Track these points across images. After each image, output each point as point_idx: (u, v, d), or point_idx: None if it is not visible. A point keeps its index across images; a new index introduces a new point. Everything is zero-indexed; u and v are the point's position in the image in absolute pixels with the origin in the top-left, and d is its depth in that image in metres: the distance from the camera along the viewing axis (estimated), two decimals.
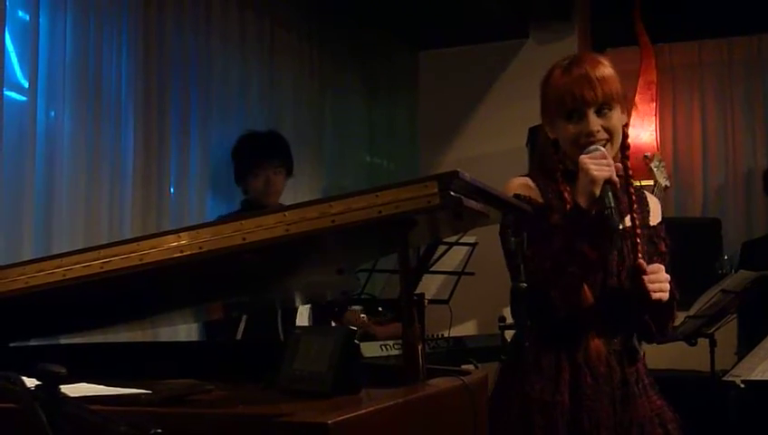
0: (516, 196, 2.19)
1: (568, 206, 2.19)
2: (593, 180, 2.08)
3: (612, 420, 2.17)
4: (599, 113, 2.19)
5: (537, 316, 2.15)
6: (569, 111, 2.20)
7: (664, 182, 3.57)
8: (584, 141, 2.17)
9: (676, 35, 6.36)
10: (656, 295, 2.14)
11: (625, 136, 2.27)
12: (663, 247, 2.34)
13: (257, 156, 3.97)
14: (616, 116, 2.21)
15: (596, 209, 2.08)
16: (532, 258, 2.05)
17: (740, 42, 6.29)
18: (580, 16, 6.00)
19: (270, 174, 3.95)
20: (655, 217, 2.38)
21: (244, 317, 3.60)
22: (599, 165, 2.10)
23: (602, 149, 2.15)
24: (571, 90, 2.19)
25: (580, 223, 2.09)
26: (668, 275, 2.20)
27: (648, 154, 3.82)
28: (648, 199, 2.41)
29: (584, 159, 2.12)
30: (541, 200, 2.24)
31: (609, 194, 2.07)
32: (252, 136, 4.08)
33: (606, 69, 2.22)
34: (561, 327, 2.21)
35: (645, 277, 2.14)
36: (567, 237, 2.10)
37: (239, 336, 3.60)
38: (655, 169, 3.62)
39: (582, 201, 2.10)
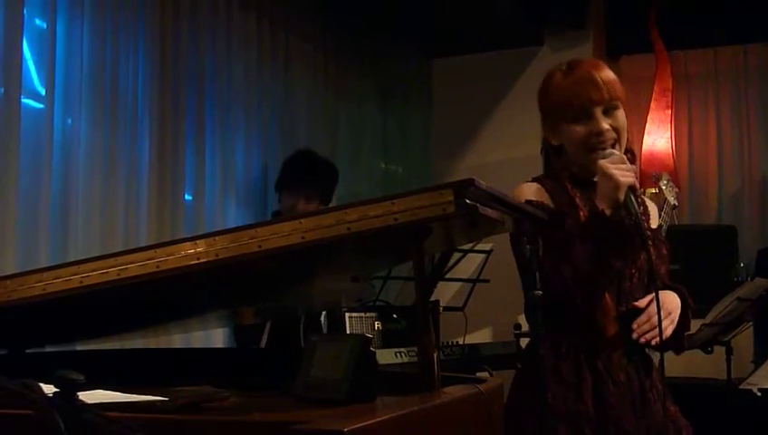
0: (528, 202, 2.16)
1: (580, 211, 2.18)
2: (617, 186, 2.06)
3: (636, 428, 2.16)
4: (605, 113, 2.18)
5: (555, 324, 2.14)
6: (576, 113, 2.18)
7: (673, 201, 3.54)
8: (594, 142, 2.17)
9: (691, 42, 6.33)
10: (642, 340, 2.15)
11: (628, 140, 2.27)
12: (664, 250, 2.36)
13: (311, 181, 4.12)
14: (621, 115, 2.21)
15: (617, 216, 2.06)
16: (554, 267, 2.05)
17: (755, 48, 6.26)
18: (594, 24, 5.99)
19: (302, 200, 4.07)
20: (654, 221, 2.38)
21: (269, 324, 3.65)
22: (621, 170, 2.09)
23: (618, 153, 2.15)
24: (576, 91, 2.18)
25: (604, 230, 2.07)
26: (676, 300, 2.21)
27: (656, 173, 3.78)
28: (647, 203, 2.41)
29: (605, 164, 2.11)
30: (553, 206, 2.22)
31: (634, 201, 2.06)
32: (316, 157, 4.24)
33: (608, 70, 2.23)
34: (582, 335, 2.19)
35: (634, 324, 2.15)
36: (591, 246, 2.07)
37: (264, 342, 3.66)
38: (664, 188, 3.58)
39: (606, 208, 2.08)
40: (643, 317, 2.16)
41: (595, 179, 2.22)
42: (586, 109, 2.17)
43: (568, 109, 2.19)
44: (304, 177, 4.16)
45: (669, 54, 6.27)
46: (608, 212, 2.08)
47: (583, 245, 2.08)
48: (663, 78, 6.25)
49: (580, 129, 2.19)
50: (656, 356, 2.29)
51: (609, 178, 2.08)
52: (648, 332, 2.14)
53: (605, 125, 2.17)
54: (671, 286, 2.30)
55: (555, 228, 2.13)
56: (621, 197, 2.06)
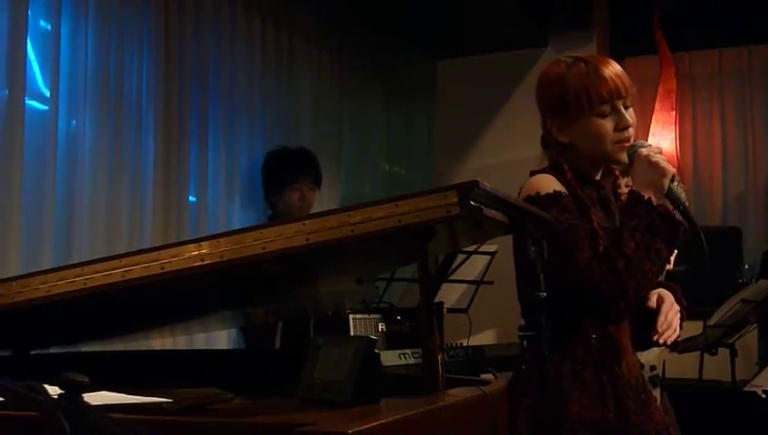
0: (557, 193, 2.12)
1: (589, 208, 2.15)
2: (664, 174, 2.07)
3: (653, 430, 2.13)
4: (625, 108, 2.17)
5: (565, 325, 2.10)
6: (603, 107, 2.13)
7: (683, 201, 3.53)
8: (618, 137, 2.14)
9: (696, 44, 6.33)
10: (661, 340, 2.16)
11: None
12: None
13: (297, 171, 4.16)
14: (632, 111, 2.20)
15: (662, 204, 2.07)
16: (590, 261, 2.02)
17: (760, 50, 6.26)
18: (599, 25, 5.98)
19: (305, 189, 4.17)
20: None
21: (281, 324, 3.65)
22: (664, 160, 2.09)
23: (650, 144, 2.15)
24: (608, 85, 2.13)
25: (651, 218, 2.06)
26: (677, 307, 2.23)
27: None
28: None
29: (649, 153, 2.10)
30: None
31: (679, 189, 2.08)
32: (288, 152, 4.25)
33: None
34: (598, 334, 2.14)
35: (658, 324, 2.16)
36: (641, 235, 2.05)
37: (278, 343, 3.65)
38: (674, 188, 3.59)
39: (654, 196, 2.07)
40: (662, 317, 2.16)
41: (598, 178, 2.24)
42: (613, 102, 2.14)
43: (599, 101, 2.13)
44: (303, 167, 4.19)
45: (674, 56, 6.26)
46: (655, 200, 2.07)
47: (632, 234, 2.05)
48: (667, 79, 6.25)
49: (607, 123, 2.14)
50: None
51: (656, 166, 2.08)
52: (666, 331, 2.16)
53: (631, 119, 2.15)
54: (663, 283, 2.30)
55: (583, 220, 2.11)
56: (667, 184, 2.07)
